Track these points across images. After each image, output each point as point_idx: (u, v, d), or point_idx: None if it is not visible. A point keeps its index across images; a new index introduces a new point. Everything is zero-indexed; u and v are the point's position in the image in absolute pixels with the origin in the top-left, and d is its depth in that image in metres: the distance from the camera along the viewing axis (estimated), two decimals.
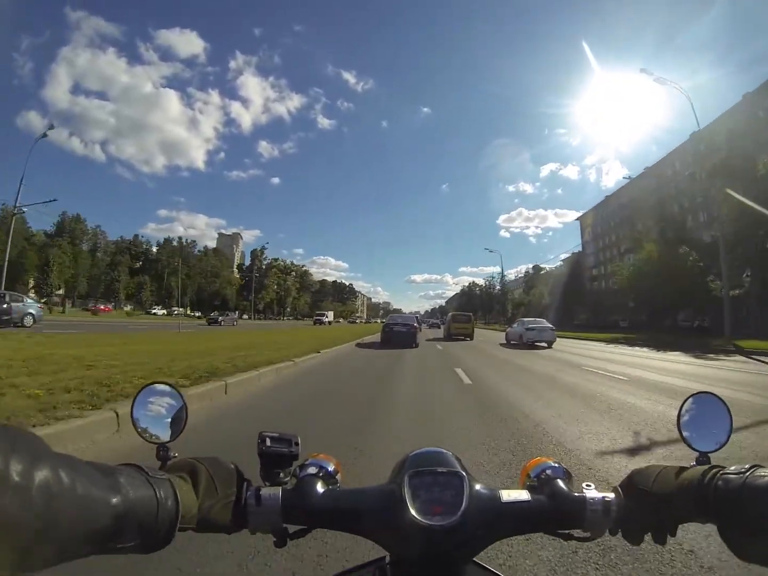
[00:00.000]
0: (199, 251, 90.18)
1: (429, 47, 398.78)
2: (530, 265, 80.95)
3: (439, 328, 43.27)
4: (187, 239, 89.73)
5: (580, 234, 73.30)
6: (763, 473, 0.39)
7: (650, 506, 0.45)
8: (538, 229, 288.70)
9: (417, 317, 22.50)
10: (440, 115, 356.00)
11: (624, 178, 50.78)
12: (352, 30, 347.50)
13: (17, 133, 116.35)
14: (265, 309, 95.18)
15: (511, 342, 20.24)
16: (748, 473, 0.39)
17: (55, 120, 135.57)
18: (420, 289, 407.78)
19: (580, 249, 71.45)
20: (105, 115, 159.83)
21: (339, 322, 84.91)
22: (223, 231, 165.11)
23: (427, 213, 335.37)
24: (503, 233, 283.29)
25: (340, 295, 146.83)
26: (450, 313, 28.05)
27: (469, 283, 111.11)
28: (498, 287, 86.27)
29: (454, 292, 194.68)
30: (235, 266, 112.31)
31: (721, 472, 0.41)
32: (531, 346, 17.76)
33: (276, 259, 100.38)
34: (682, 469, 0.45)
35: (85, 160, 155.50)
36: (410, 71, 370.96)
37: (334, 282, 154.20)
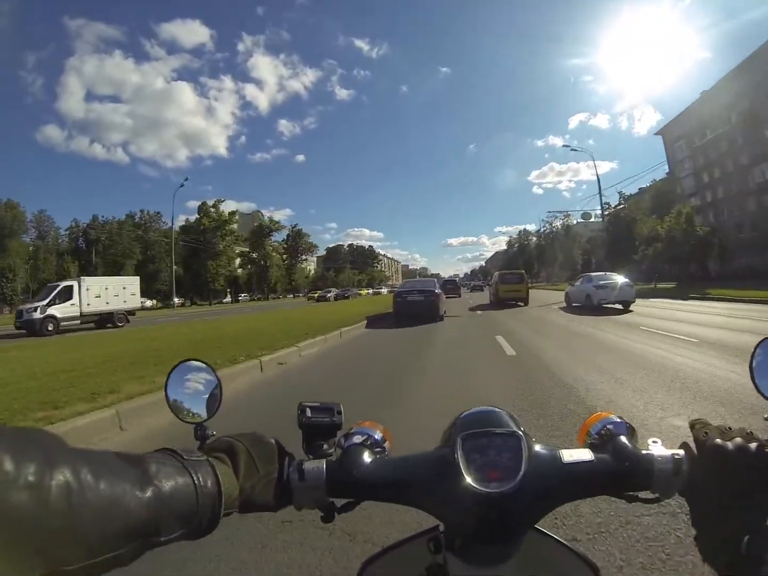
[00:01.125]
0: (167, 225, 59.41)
1: (441, 3, 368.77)
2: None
3: (482, 290, 39.26)
4: (149, 211, 63.89)
5: (665, 154, 47.98)
6: None
7: (725, 473, 0.39)
8: (572, 183, 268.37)
9: (435, 282, 15.09)
10: (460, 73, 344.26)
11: None
12: None
13: (38, 148, 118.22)
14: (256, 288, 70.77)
15: (573, 304, 15.47)
16: None
17: (74, 129, 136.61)
18: (457, 252, 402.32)
19: (666, 173, 46.44)
20: (121, 117, 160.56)
21: (359, 294, 62.35)
22: (242, 212, 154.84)
23: (457, 175, 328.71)
24: (536, 189, 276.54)
25: (362, 261, 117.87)
26: (496, 273, 22.25)
27: (520, 231, 79.73)
28: (559, 227, 59.57)
29: (492, 253, 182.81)
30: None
31: None
32: (601, 309, 13.25)
33: (233, 213, 66.30)
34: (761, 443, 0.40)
35: (109, 163, 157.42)
36: (424, 31, 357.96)
37: (351, 246, 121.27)
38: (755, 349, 0.47)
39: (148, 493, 0.31)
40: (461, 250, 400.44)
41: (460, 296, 29.02)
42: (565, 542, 0.47)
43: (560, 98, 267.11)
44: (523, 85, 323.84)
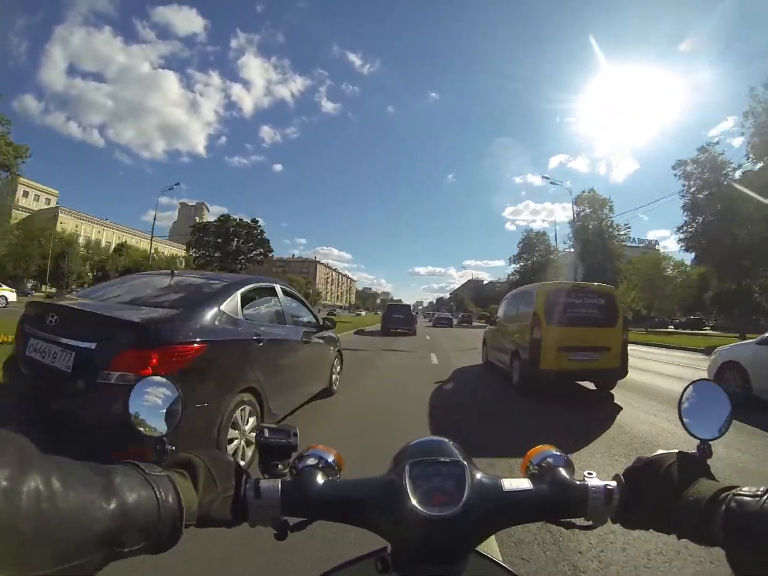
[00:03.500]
0: None
1: (439, 30, 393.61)
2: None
3: (450, 326, 32.11)
4: None
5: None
6: None
7: (654, 500, 0.44)
8: (545, 223, 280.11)
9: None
10: (449, 100, 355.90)
11: None
12: (359, 8, 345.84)
13: (15, 117, 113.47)
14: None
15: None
16: (765, 496, 0.36)
17: (52, 103, 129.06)
18: (423, 281, 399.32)
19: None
20: (102, 97, 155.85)
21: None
22: (186, 201, 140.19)
23: (433, 203, 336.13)
24: (509, 226, 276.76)
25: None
26: (530, 288, 6.51)
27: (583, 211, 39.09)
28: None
29: (459, 285, 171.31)
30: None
31: (732, 493, 0.38)
32: None
33: None
34: (687, 460, 0.45)
35: (84, 144, 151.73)
36: (418, 54, 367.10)
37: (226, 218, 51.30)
38: (683, 392, 0.52)
39: (113, 504, 0.32)
40: (428, 279, 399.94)
41: (414, 334, 19.13)
42: (505, 565, 0.50)
43: (543, 137, 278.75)
44: (508, 119, 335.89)
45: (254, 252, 52.03)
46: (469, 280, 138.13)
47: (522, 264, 50.72)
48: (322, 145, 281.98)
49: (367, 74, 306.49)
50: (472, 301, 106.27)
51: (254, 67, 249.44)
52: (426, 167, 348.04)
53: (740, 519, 0.36)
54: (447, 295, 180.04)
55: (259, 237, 51.60)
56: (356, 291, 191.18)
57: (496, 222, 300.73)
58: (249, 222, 51.43)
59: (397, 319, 19.45)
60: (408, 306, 21.80)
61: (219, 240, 50.51)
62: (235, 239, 49.99)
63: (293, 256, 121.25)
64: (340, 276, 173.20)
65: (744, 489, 0.38)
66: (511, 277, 52.05)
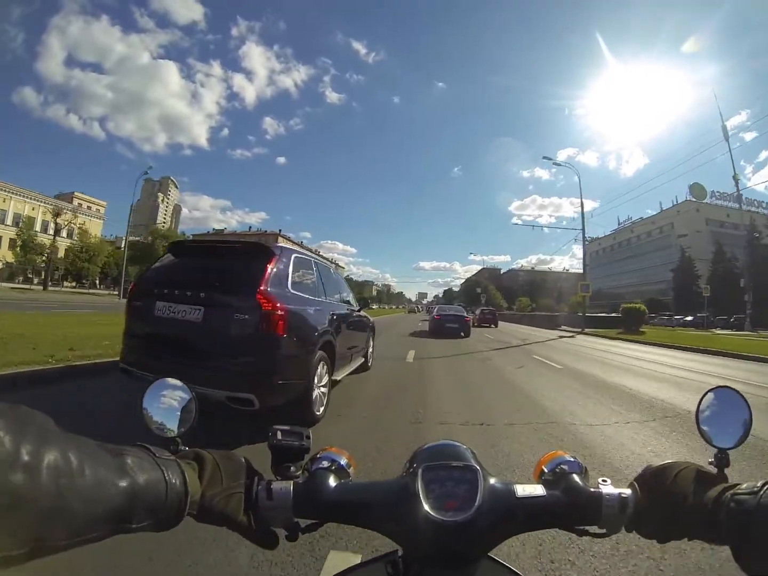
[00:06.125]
0: None
1: (446, 18, 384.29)
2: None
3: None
4: None
5: None
6: None
7: (666, 507, 0.44)
8: (552, 218, 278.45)
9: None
10: (455, 90, 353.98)
11: None
12: None
13: (14, 109, 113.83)
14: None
15: None
16: (761, 491, 0.38)
17: (51, 95, 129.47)
18: (428, 276, 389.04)
19: None
20: (102, 89, 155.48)
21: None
22: (151, 177, 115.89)
23: (438, 197, 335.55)
24: (515, 221, 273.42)
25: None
26: None
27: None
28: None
29: (463, 280, 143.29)
30: (159, 221, 77.80)
31: (732, 492, 0.40)
32: None
33: None
34: (700, 472, 0.44)
35: (85, 137, 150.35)
36: (425, 42, 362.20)
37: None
38: (701, 400, 0.51)
39: (126, 483, 0.34)
40: (433, 274, 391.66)
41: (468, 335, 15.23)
42: (517, 571, 0.50)
43: (552, 129, 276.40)
44: (516, 111, 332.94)
45: None
46: (483, 268, 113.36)
47: None
48: (326, 136, 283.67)
49: (373, 63, 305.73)
50: (500, 292, 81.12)
51: (256, 57, 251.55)
52: (432, 160, 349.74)
53: (740, 516, 0.38)
54: (457, 286, 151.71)
55: None
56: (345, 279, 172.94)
57: (502, 217, 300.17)
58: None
59: (450, 329, 15.11)
60: (462, 315, 16.12)
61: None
62: None
63: (249, 229, 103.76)
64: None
65: (743, 486, 0.40)
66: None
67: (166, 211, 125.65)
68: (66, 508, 0.29)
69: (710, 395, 0.51)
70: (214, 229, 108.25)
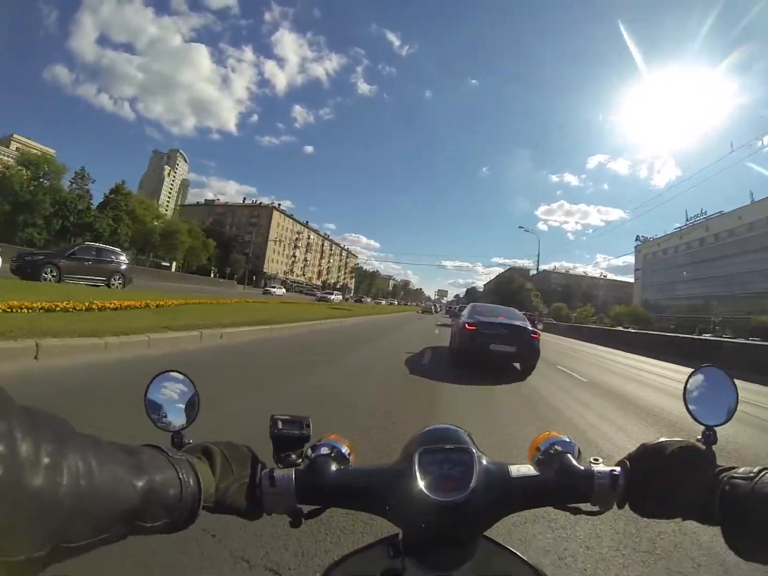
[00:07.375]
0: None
1: (483, 15, 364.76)
2: None
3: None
4: None
5: None
6: None
7: (658, 485, 0.45)
8: (578, 225, 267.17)
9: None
10: (488, 89, 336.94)
11: None
12: None
13: (46, 87, 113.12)
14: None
15: None
16: (757, 478, 0.38)
17: (82, 73, 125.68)
18: (450, 276, 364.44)
19: None
20: (133, 69, 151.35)
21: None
22: (159, 150, 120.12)
23: (465, 196, 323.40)
24: (541, 225, 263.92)
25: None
26: None
27: None
28: None
29: (484, 282, 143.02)
30: (162, 199, 73.76)
31: (728, 475, 0.41)
32: None
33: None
34: (692, 451, 0.45)
35: (115, 117, 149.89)
36: (461, 38, 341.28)
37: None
38: (688, 379, 0.52)
39: (142, 482, 0.34)
40: (455, 274, 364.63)
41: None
42: (513, 550, 0.52)
43: (584, 135, 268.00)
44: (550, 113, 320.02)
45: None
46: (510, 268, 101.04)
47: None
48: (355, 128, 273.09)
49: (406, 56, 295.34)
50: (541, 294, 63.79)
51: (288, 43, 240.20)
52: (460, 158, 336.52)
53: (734, 500, 0.39)
54: (480, 287, 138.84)
55: None
56: (354, 268, 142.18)
57: (528, 220, 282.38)
58: None
59: (500, 353, 7.38)
60: (524, 326, 7.78)
61: None
62: None
63: (243, 201, 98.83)
64: (324, 241, 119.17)
65: (739, 470, 0.40)
66: None
67: (171, 185, 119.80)
68: (85, 508, 0.29)
69: (698, 375, 0.52)
70: (206, 200, 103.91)
